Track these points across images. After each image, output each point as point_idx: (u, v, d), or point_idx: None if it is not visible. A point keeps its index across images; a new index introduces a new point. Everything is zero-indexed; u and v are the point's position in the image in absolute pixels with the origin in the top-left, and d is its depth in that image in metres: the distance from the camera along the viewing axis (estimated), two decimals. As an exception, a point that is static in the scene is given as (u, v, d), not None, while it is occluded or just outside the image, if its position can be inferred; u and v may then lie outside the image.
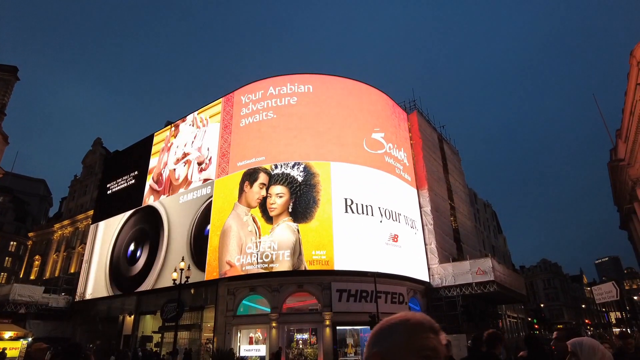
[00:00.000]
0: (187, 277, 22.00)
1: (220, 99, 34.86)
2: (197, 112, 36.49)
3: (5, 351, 26.75)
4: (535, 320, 65.11)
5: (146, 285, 31.92)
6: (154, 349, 29.73)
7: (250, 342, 26.39)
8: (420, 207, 33.51)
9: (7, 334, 28.15)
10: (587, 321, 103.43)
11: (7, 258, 65.63)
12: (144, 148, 40.75)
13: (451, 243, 35.69)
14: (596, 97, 35.02)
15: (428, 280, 30.79)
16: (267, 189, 27.94)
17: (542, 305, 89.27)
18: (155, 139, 39.90)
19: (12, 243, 66.49)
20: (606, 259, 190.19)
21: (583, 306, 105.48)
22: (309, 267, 25.47)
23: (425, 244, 32.16)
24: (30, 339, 30.37)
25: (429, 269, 31.28)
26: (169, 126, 39.20)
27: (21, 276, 54.27)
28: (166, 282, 28.61)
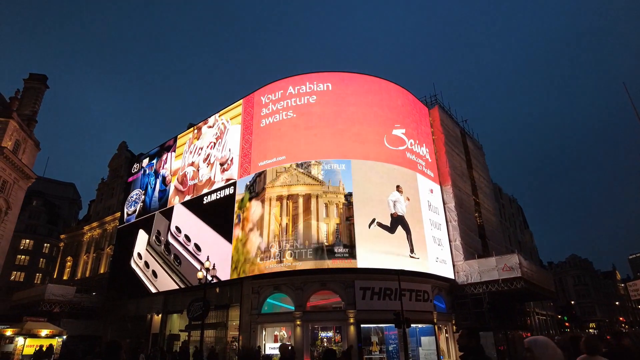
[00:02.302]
0: (213, 276, 22.36)
1: (241, 100, 35.28)
2: (218, 114, 37.05)
3: (43, 348, 27.93)
4: (565, 318, 63.30)
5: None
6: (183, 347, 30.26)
7: (275, 340, 26.61)
8: (444, 204, 33.01)
9: (44, 332, 29.33)
10: (621, 319, 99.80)
11: (41, 259, 68.40)
12: (167, 150, 41.67)
13: (476, 239, 35.01)
14: (627, 85, 33.64)
15: (453, 278, 30.31)
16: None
17: (572, 302, 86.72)
18: (178, 142, 40.73)
19: (45, 245, 69.22)
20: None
21: (617, 303, 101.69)
22: (332, 265, 25.48)
23: (450, 241, 31.66)
24: (64, 337, 31.61)
25: (453, 265, 30.79)
26: (192, 129, 39.96)
27: (55, 277, 56.42)
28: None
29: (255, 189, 29.60)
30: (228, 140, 34.47)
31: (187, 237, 33.27)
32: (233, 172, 32.23)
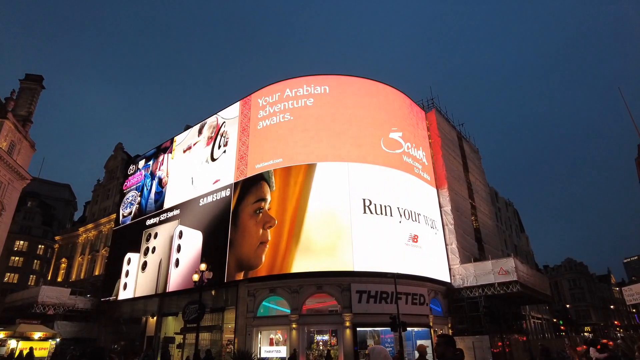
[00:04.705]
0: (209, 279, 22.22)
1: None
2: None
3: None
4: (561, 322, 63.36)
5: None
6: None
7: (271, 344, 26.49)
8: (440, 207, 33.04)
9: (37, 335, 29.01)
10: (616, 322, 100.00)
11: (35, 261, 67.87)
12: (164, 152, 41.53)
13: (472, 243, 35.06)
14: (622, 91, 33.87)
15: (449, 281, 30.32)
16: (285, 191, 27.99)
17: (567, 306, 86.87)
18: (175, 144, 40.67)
19: (40, 246, 68.70)
20: (635, 257, 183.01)
21: (612, 307, 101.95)
22: (328, 268, 25.39)
23: (446, 244, 31.67)
24: (58, 340, 31.32)
25: (450, 269, 30.80)
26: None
27: (49, 278, 55.91)
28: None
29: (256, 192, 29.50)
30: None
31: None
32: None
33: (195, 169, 36.20)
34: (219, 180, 32.80)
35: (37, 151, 42.38)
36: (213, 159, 34.88)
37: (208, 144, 36.10)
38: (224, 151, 33.87)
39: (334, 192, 27.52)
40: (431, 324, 27.71)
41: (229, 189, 31.29)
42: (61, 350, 30.84)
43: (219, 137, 35.37)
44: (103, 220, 49.92)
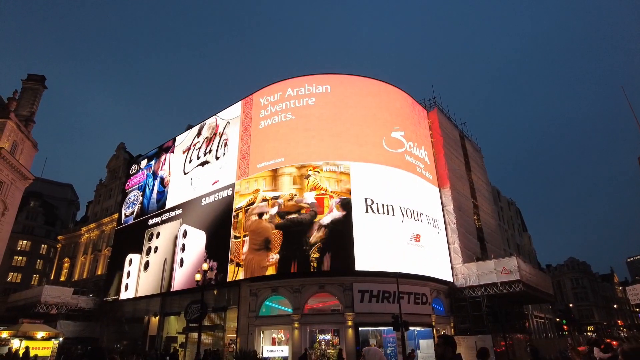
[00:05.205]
0: (211, 278, 22.24)
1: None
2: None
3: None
4: (564, 321, 63.25)
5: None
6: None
7: (273, 343, 26.49)
8: (443, 206, 32.96)
9: (40, 334, 29.05)
10: (619, 322, 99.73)
11: (38, 261, 68.01)
12: (166, 151, 41.56)
13: (475, 242, 34.95)
14: (625, 88, 33.72)
15: (452, 280, 30.24)
16: (287, 190, 27.97)
17: (570, 305, 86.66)
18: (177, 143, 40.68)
19: (42, 246, 68.84)
20: (638, 257, 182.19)
21: (615, 306, 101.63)
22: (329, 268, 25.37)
23: (449, 244, 31.59)
24: (61, 339, 31.40)
25: (452, 268, 30.72)
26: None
27: (52, 278, 56.10)
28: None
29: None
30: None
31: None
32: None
33: (194, 170, 36.28)
34: (217, 181, 32.83)
35: (39, 151, 42.48)
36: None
37: (207, 145, 36.14)
38: (223, 153, 33.85)
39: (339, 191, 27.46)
40: (433, 323, 27.66)
41: (230, 189, 31.28)
42: (67, 350, 30.96)
43: (217, 138, 35.40)
44: (105, 219, 50.03)
